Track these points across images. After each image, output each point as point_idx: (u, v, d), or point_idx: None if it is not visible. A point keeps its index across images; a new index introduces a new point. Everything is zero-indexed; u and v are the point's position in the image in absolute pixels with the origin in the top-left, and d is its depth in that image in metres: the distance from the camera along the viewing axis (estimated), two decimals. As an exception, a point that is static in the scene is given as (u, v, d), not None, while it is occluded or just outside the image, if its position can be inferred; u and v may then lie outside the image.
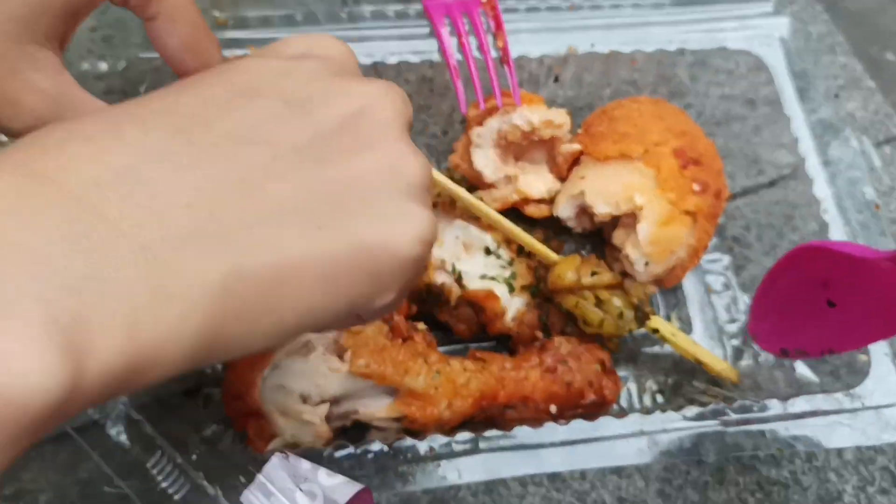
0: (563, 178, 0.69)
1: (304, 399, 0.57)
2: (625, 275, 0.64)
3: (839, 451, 0.65)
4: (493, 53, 0.66)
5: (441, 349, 0.64)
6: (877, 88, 0.81)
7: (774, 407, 0.56)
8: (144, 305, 0.27)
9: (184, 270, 0.28)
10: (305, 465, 0.47)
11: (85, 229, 0.27)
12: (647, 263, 0.62)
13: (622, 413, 0.65)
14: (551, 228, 0.69)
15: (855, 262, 0.47)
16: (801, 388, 0.61)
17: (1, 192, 0.27)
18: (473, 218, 0.65)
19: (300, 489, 0.47)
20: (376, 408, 0.58)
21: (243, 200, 0.31)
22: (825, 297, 0.51)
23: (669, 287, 0.67)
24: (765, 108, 0.69)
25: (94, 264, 0.26)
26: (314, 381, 0.57)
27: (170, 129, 0.31)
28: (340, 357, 0.58)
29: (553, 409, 0.60)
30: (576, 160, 0.68)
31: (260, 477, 0.47)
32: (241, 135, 0.32)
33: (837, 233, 0.62)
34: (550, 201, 0.68)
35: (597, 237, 0.71)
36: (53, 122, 0.31)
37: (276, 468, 0.47)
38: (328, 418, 0.58)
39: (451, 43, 0.66)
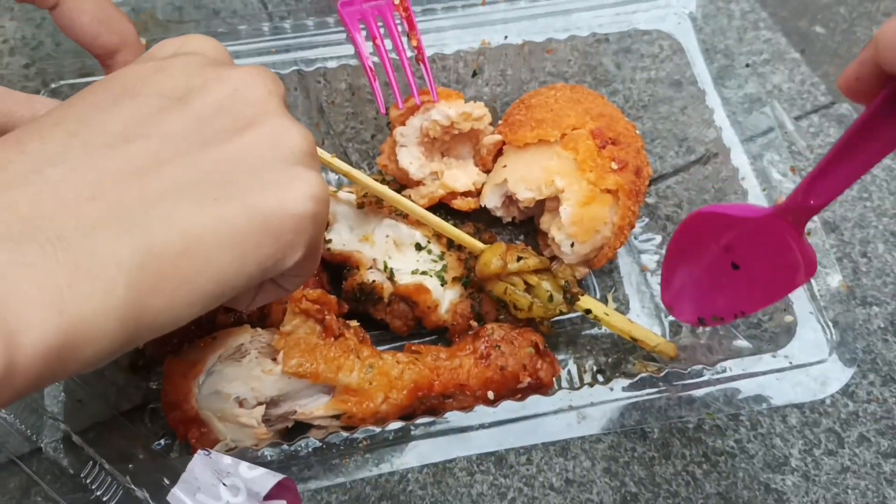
0: (488, 170, 0.70)
1: (241, 403, 0.57)
2: (554, 259, 0.65)
3: (783, 417, 0.66)
4: (409, 53, 0.67)
5: (381, 348, 0.65)
6: (803, 60, 0.82)
7: (705, 373, 0.56)
8: (67, 284, 0.30)
9: (97, 252, 0.31)
10: (227, 460, 0.48)
11: (3, 227, 0.30)
12: (572, 244, 0.63)
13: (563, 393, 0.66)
14: (482, 221, 0.70)
15: (747, 223, 0.48)
16: (734, 354, 0.61)
17: None
18: (402, 216, 0.66)
19: (223, 483, 0.47)
20: (314, 407, 0.59)
21: (141, 186, 0.34)
22: (729, 261, 0.52)
23: (600, 267, 0.67)
24: (691, 87, 0.69)
25: (14, 253, 0.30)
26: (249, 384, 0.57)
27: (65, 136, 0.35)
28: (273, 359, 0.58)
29: (491, 395, 0.61)
30: (499, 151, 0.69)
31: (184, 475, 0.48)
32: (130, 130, 0.36)
33: (760, 201, 0.62)
34: (477, 194, 0.69)
35: (529, 226, 0.72)
36: None
37: (199, 465, 0.48)
38: (267, 420, 0.59)
39: (367, 47, 0.67)
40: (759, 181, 0.63)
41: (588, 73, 0.74)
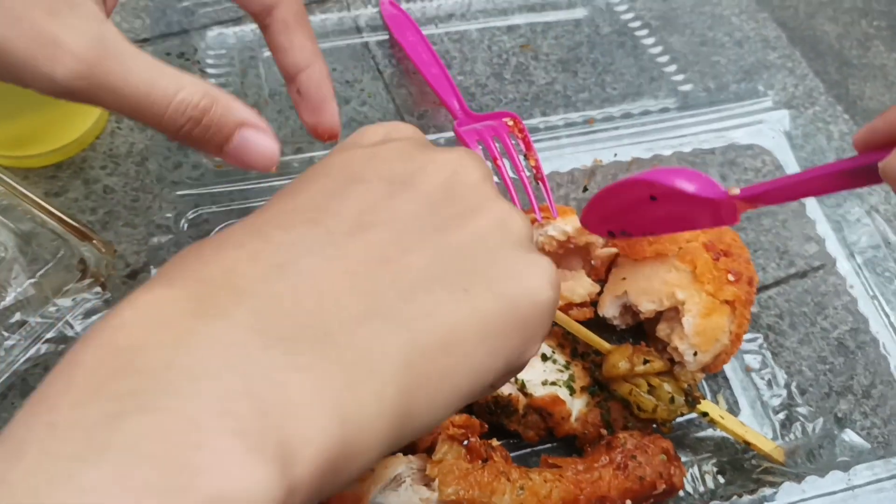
0: (601, 280, 0.73)
1: (400, 531, 0.59)
2: (672, 361, 0.68)
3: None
4: (526, 172, 0.71)
5: (512, 455, 0.67)
6: (898, 182, 0.88)
7: (839, 479, 0.59)
8: (344, 388, 0.28)
9: (368, 350, 0.30)
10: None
11: (270, 323, 0.28)
12: (695, 354, 0.66)
13: (690, 498, 0.68)
14: (594, 328, 0.72)
15: (695, 198, 0.55)
16: (857, 455, 0.64)
17: (184, 302, 0.28)
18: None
19: None
20: (466, 529, 0.60)
21: (392, 276, 0.33)
22: (648, 194, 0.57)
23: (716, 372, 0.70)
24: (793, 202, 0.73)
25: (290, 355, 0.28)
26: (408, 513, 0.59)
27: (307, 224, 0.34)
28: (426, 485, 0.60)
29: (628, 503, 0.63)
30: (612, 262, 0.72)
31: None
32: (367, 217, 0.35)
33: (874, 321, 0.67)
34: (591, 304, 0.72)
35: (637, 330, 0.75)
36: (196, 243, 0.33)
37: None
38: (422, 542, 0.60)
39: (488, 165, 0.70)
40: (868, 298, 0.67)
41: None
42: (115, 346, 0.26)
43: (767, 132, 0.73)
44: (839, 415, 0.69)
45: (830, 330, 0.71)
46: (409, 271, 0.33)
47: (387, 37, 0.89)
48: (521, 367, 0.38)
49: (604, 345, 0.67)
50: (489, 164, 0.71)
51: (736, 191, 0.53)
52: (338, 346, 0.29)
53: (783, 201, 0.53)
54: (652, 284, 0.68)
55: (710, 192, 0.54)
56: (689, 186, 0.55)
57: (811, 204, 0.71)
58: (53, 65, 0.40)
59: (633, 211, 0.60)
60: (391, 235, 0.34)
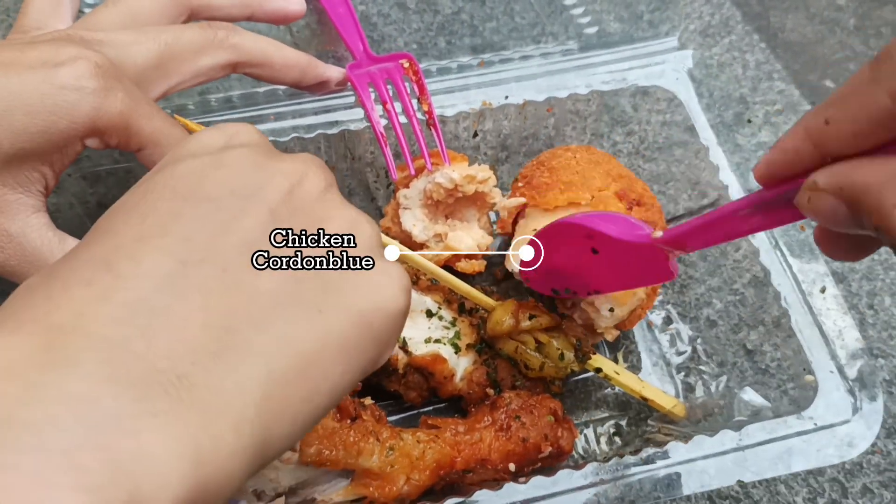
0: (507, 233, 0.69)
1: (258, 495, 0.55)
2: (562, 316, 0.64)
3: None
4: (419, 116, 0.66)
5: (392, 419, 0.63)
6: (814, 113, 0.84)
7: (732, 438, 0.55)
8: (199, 430, 0.28)
9: (223, 388, 0.29)
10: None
11: (121, 369, 0.27)
12: (611, 309, 0.62)
13: (581, 461, 0.65)
14: (488, 282, 0.68)
15: (619, 242, 0.52)
16: (754, 415, 0.61)
17: (31, 351, 0.27)
18: (412, 283, 0.65)
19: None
20: (333, 492, 0.56)
21: (245, 304, 0.32)
22: (590, 247, 0.54)
23: (630, 329, 0.67)
24: (707, 133, 0.69)
25: (142, 402, 0.27)
26: (266, 475, 0.55)
27: (157, 254, 0.32)
28: (290, 445, 0.56)
29: (512, 467, 0.60)
30: (520, 213, 0.68)
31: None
32: (219, 241, 0.33)
33: (769, 254, 0.63)
34: (481, 256, 0.68)
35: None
36: (43, 270, 0.32)
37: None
38: (285, 510, 0.56)
39: (377, 110, 0.66)
40: (766, 233, 0.63)
41: (605, 113, 0.73)
42: None
43: (670, 73, 0.69)
44: (749, 346, 0.65)
45: (741, 261, 0.66)
46: (261, 296, 0.33)
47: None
48: (376, 369, 0.38)
49: (488, 301, 0.63)
50: (379, 108, 0.66)
51: (658, 233, 0.49)
52: (192, 388, 0.29)
53: (712, 242, 0.47)
54: (564, 236, 0.64)
55: (631, 234, 0.51)
56: (610, 228, 0.52)
57: (724, 136, 0.67)
58: None
59: (576, 266, 0.57)
60: (242, 259, 0.33)
